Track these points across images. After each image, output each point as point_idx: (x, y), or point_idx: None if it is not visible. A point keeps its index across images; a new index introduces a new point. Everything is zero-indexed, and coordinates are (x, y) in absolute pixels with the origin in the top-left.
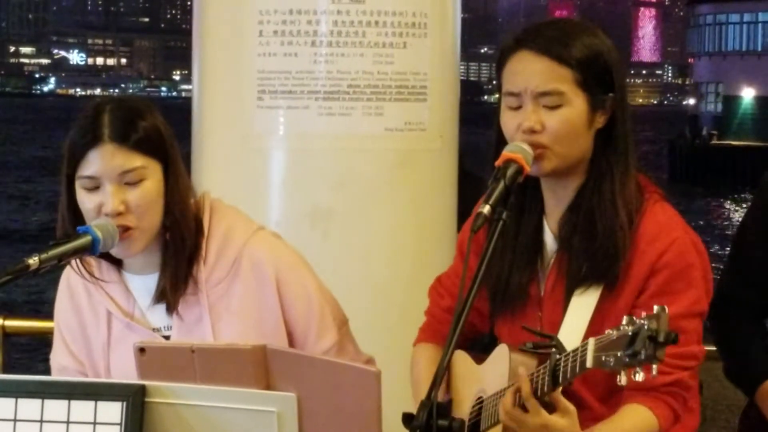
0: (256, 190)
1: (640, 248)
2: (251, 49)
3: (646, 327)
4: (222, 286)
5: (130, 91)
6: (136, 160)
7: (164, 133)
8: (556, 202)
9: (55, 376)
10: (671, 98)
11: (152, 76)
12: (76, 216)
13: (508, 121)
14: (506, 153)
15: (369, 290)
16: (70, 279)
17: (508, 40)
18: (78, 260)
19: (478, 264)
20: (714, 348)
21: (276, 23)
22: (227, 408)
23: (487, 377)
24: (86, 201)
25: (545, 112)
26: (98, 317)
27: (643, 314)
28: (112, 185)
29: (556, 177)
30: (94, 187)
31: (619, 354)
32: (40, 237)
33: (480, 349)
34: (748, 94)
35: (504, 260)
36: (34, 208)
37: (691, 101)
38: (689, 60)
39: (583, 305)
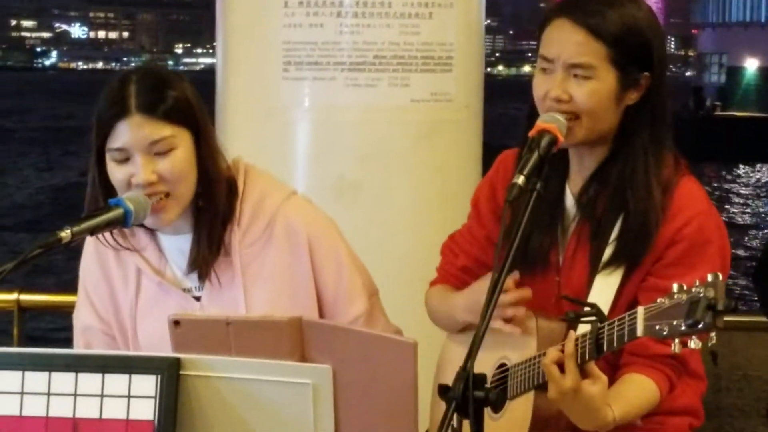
0: (282, 162)
1: (665, 221)
2: (276, 20)
3: (703, 295)
4: (255, 248)
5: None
6: (165, 130)
7: (193, 101)
8: (580, 170)
9: (88, 339)
10: (674, 69)
11: (154, 50)
12: (107, 188)
13: (539, 85)
14: (540, 123)
15: (394, 261)
16: (98, 240)
17: (554, 5)
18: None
19: (509, 234)
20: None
21: None
22: (262, 380)
23: (512, 344)
24: (117, 173)
25: (574, 82)
26: (127, 278)
27: (697, 282)
28: (142, 156)
29: (585, 146)
30: (125, 158)
31: (674, 323)
32: None
33: None
34: (752, 65)
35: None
36: None
37: (693, 72)
38: (693, 31)
39: (607, 285)
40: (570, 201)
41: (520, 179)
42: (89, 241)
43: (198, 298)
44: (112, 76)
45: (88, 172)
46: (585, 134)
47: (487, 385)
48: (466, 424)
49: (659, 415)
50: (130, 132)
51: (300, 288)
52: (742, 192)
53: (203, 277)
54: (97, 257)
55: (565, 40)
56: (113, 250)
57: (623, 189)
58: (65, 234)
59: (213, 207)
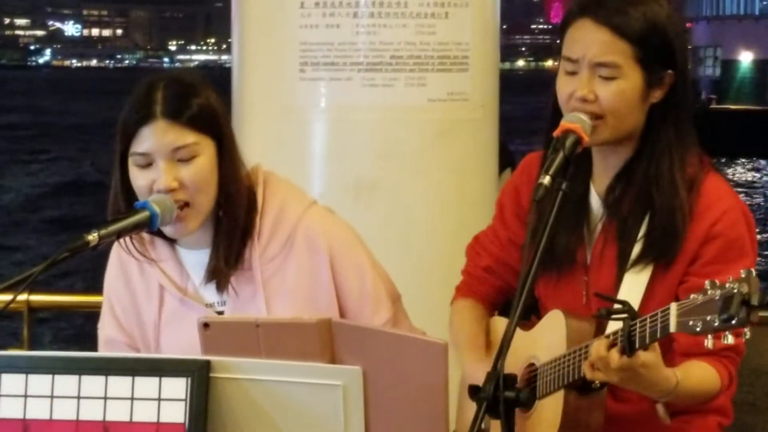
0: (299, 162)
1: (694, 218)
2: (293, 20)
3: (737, 291)
4: (276, 262)
5: (126, 62)
6: (189, 137)
7: (218, 110)
8: (604, 169)
9: (112, 351)
10: None
11: (148, 47)
12: (129, 193)
13: (563, 86)
14: (565, 123)
15: (412, 261)
16: (122, 252)
17: (574, 5)
18: (131, 238)
19: (534, 234)
20: None
21: None
22: (292, 382)
23: (539, 344)
24: (139, 178)
25: (600, 82)
26: (150, 292)
27: (730, 278)
28: (165, 162)
29: (608, 145)
30: (147, 164)
31: (708, 318)
32: None
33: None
34: (746, 58)
35: (553, 225)
36: None
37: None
38: (687, 24)
39: (636, 282)
40: (596, 200)
41: (546, 179)
42: (113, 254)
43: (221, 313)
44: (104, 72)
45: (111, 177)
46: (610, 134)
47: (518, 385)
48: (494, 423)
49: (687, 414)
50: (155, 137)
51: (321, 299)
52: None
53: (221, 289)
54: (121, 270)
55: (590, 39)
56: (137, 263)
57: (649, 187)
58: (92, 237)
59: (232, 219)
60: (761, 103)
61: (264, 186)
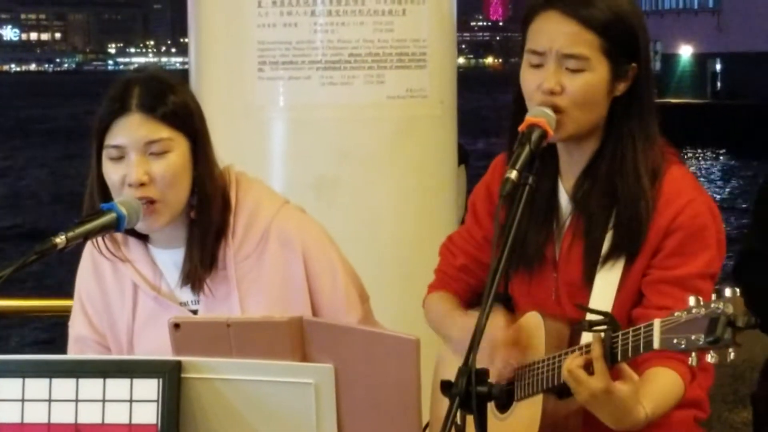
0: (260, 161)
1: (657, 211)
2: (251, 20)
3: (722, 311)
4: (250, 261)
5: (65, 66)
6: (162, 132)
7: (194, 110)
8: (570, 165)
9: (82, 349)
10: None
11: (87, 50)
12: (104, 190)
13: (529, 79)
14: (529, 118)
15: (375, 257)
16: (95, 251)
17: None
18: (102, 238)
19: (505, 229)
20: None
21: None
22: (264, 381)
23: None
24: (111, 172)
25: (566, 74)
26: (124, 292)
27: (714, 297)
28: (137, 155)
29: (572, 141)
30: (120, 156)
31: (693, 337)
32: None
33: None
34: (686, 52)
35: (520, 221)
36: None
37: None
38: None
39: (608, 281)
40: (564, 197)
41: (513, 174)
42: (86, 253)
43: (195, 312)
44: (44, 76)
45: (87, 176)
46: (574, 128)
47: (490, 380)
48: (470, 420)
49: None
50: (128, 130)
51: (295, 298)
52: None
53: (196, 290)
54: (93, 269)
55: (556, 31)
56: (109, 263)
57: (613, 179)
58: (60, 240)
59: (206, 220)
60: (701, 97)
61: (237, 186)
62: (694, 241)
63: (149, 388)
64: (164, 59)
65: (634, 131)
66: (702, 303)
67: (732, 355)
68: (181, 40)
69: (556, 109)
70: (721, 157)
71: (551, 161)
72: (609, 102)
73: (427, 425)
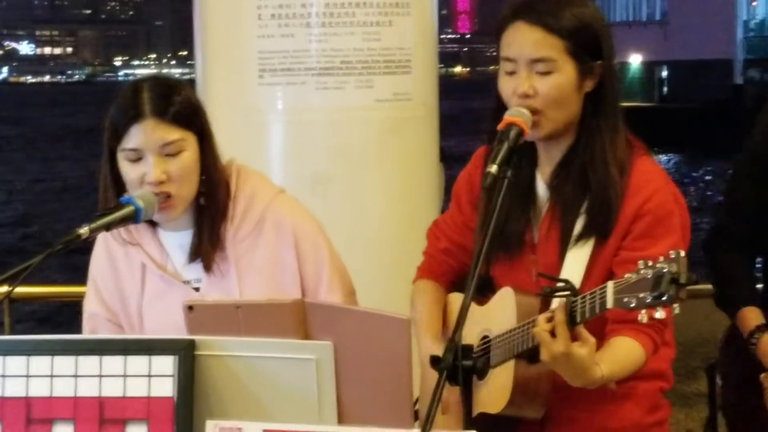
0: (260, 160)
1: (627, 197)
2: (251, 31)
3: (667, 270)
4: (247, 243)
5: (76, 77)
6: (175, 133)
7: (197, 106)
8: (548, 159)
9: (94, 325)
10: None
11: (96, 63)
12: (118, 185)
13: (505, 85)
14: (507, 117)
15: (364, 246)
16: (108, 237)
17: (506, 10)
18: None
19: (485, 217)
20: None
21: (273, 7)
22: (270, 357)
23: (492, 318)
24: (130, 171)
25: (537, 78)
26: (133, 271)
27: (661, 258)
28: (154, 156)
29: (550, 138)
30: (137, 158)
31: (641, 295)
32: None
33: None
34: (635, 60)
35: (501, 209)
36: None
37: None
38: None
39: (578, 258)
40: (542, 187)
41: (493, 168)
42: (100, 240)
43: (197, 289)
44: (58, 87)
45: (99, 173)
46: (551, 127)
47: (474, 355)
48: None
49: (632, 380)
50: (144, 134)
51: (286, 277)
52: None
53: (208, 268)
54: (106, 252)
55: (524, 39)
56: (122, 247)
57: (585, 170)
58: (84, 231)
59: (214, 205)
60: (649, 100)
61: (237, 175)
62: (660, 225)
63: (166, 364)
64: (165, 70)
65: (602, 126)
66: (650, 264)
67: (677, 310)
68: (180, 53)
69: (533, 111)
70: (668, 155)
71: (530, 155)
72: (581, 99)
73: (416, 400)
